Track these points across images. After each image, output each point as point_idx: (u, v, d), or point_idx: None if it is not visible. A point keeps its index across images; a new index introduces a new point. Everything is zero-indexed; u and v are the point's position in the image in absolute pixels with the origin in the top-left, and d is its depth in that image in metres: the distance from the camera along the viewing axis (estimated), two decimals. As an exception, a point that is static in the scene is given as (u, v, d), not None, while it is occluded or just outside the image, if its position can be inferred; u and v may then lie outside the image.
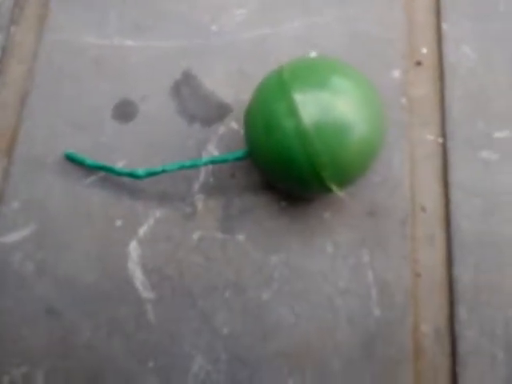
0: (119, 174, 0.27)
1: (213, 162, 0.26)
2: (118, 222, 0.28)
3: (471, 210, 0.27)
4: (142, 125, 0.29)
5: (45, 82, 0.30)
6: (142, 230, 0.28)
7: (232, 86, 0.30)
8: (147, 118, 0.30)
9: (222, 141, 0.29)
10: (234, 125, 0.29)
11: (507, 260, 0.26)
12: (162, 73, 0.30)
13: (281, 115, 0.23)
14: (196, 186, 0.28)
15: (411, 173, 0.28)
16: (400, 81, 0.30)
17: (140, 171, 0.27)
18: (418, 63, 0.31)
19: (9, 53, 0.31)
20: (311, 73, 0.24)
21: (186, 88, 0.30)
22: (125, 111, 0.30)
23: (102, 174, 0.29)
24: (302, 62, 0.25)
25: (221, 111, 0.30)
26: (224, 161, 0.26)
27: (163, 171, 0.26)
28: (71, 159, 0.29)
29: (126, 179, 0.28)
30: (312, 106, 0.23)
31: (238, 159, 0.26)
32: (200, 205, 0.28)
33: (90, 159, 0.28)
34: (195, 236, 0.27)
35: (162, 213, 0.28)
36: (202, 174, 0.28)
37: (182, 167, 0.26)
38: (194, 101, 0.30)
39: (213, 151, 0.29)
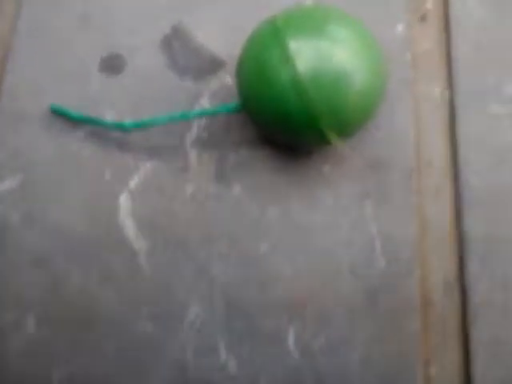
0: (106, 125, 0.26)
1: (204, 113, 0.24)
2: (108, 175, 0.26)
3: (480, 165, 0.25)
4: (130, 78, 0.28)
5: (28, 37, 0.29)
6: (133, 183, 0.26)
7: (225, 39, 0.28)
8: (136, 71, 0.28)
9: (215, 95, 0.27)
10: (227, 79, 0.28)
11: (520, 213, 0.24)
12: (151, 26, 0.29)
13: (275, 63, 0.22)
14: (189, 140, 0.27)
15: (416, 128, 0.26)
16: (404, 35, 0.28)
17: (127, 123, 0.25)
18: (423, 18, 0.29)
19: (-8, 7, 0.30)
20: (306, 20, 0.22)
21: (176, 41, 0.28)
22: (112, 64, 0.28)
23: (89, 127, 0.27)
24: (296, 10, 0.24)
25: (213, 65, 0.28)
26: (216, 113, 0.24)
27: (152, 123, 0.25)
28: (57, 112, 0.27)
29: (114, 133, 0.26)
30: (307, 54, 0.21)
31: (230, 111, 0.24)
32: (193, 158, 0.26)
33: (75, 112, 0.26)
34: (188, 188, 0.26)
35: (154, 166, 0.26)
36: (195, 128, 0.27)
37: (172, 119, 0.25)
38: (185, 54, 0.28)
39: (206, 106, 0.27)
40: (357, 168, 0.26)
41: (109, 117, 0.27)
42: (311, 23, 0.22)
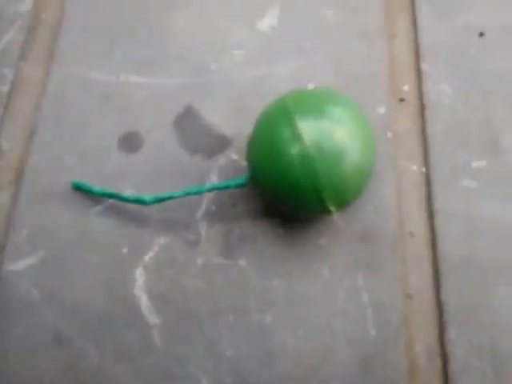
0: (126, 200, 0.27)
1: (216, 188, 0.26)
2: (125, 249, 0.28)
3: (455, 235, 0.28)
4: (146, 155, 0.29)
5: (52, 116, 0.30)
6: (148, 257, 0.28)
7: (231, 119, 0.31)
8: (152, 149, 0.30)
9: (222, 171, 0.30)
10: (233, 156, 0.30)
11: (490, 281, 0.27)
12: (165, 107, 0.31)
13: (285, 140, 0.23)
14: (199, 214, 0.28)
15: (399, 201, 0.29)
16: (385, 116, 0.31)
17: (147, 197, 0.27)
18: (401, 100, 0.32)
19: (17, 87, 0.31)
20: (313, 102, 0.24)
21: (187, 121, 0.31)
22: (130, 142, 0.30)
23: (108, 203, 0.29)
24: (303, 92, 0.25)
25: (221, 143, 0.30)
26: (226, 187, 0.26)
27: (169, 197, 0.26)
28: (78, 188, 0.28)
29: (131, 207, 0.29)
30: (314, 132, 0.23)
31: (239, 185, 0.26)
32: (203, 232, 0.28)
33: (97, 187, 0.28)
34: (199, 262, 0.27)
35: (167, 240, 0.28)
36: (205, 202, 0.29)
37: (187, 194, 0.26)
38: (195, 133, 0.31)
39: (214, 181, 0.29)
40: (349, 240, 0.28)
41: (128, 192, 0.29)
42: (317, 104, 0.24)
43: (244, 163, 0.29)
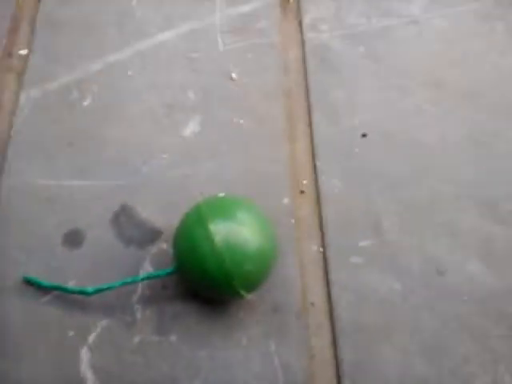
0: (72, 292, 0.31)
1: (148, 277, 0.31)
2: (71, 333, 0.31)
3: (348, 303, 0.34)
4: (87, 249, 0.34)
5: (5, 222, 0.35)
6: (91, 338, 0.31)
7: (161, 214, 0.36)
8: (92, 243, 0.34)
9: (154, 258, 0.34)
10: (163, 245, 0.35)
11: (377, 341, 0.33)
12: (103, 206, 0.36)
13: (200, 240, 0.29)
14: (135, 298, 0.33)
15: (302, 276, 0.35)
16: (289, 206, 0.38)
17: (89, 289, 0.31)
18: (302, 192, 0.39)
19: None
20: (222, 207, 0.31)
21: (123, 217, 0.36)
22: (73, 238, 0.35)
23: (56, 292, 0.33)
24: (214, 199, 0.32)
25: (152, 235, 0.35)
26: (157, 276, 0.31)
27: (109, 288, 0.31)
28: (29, 281, 0.32)
29: (76, 297, 0.33)
30: (223, 233, 0.29)
31: (168, 274, 0.31)
32: (139, 314, 0.32)
33: (45, 281, 0.32)
34: (136, 339, 0.31)
35: (108, 322, 0.32)
36: (140, 287, 0.33)
37: (125, 283, 0.31)
38: (130, 227, 0.36)
39: (148, 268, 0.34)
40: (262, 312, 0.33)
41: (72, 282, 0.33)
42: (225, 209, 0.31)
43: (171, 252, 0.34)
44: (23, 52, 0.42)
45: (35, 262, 0.33)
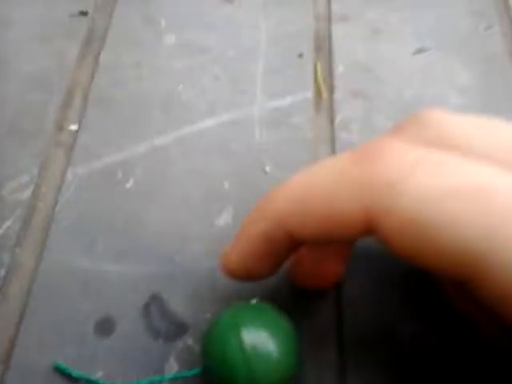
0: None
1: (175, 377, 0.33)
2: None
3: None
4: (117, 339, 0.35)
5: (40, 299, 0.36)
6: None
7: (189, 307, 0.37)
8: (122, 333, 0.36)
9: (180, 354, 0.35)
10: (190, 341, 0.36)
11: None
12: (136, 294, 0.37)
13: (232, 348, 0.30)
14: None
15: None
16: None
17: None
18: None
19: (12, 272, 0.37)
20: (255, 316, 0.32)
21: (154, 308, 0.37)
22: (104, 327, 0.36)
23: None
24: (249, 306, 0.33)
25: (180, 329, 0.37)
26: (184, 376, 0.32)
27: None
28: (59, 370, 0.33)
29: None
30: (256, 343, 0.30)
31: (195, 375, 0.32)
32: None
33: (76, 371, 0.33)
34: None
35: None
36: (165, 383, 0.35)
37: (151, 382, 0.32)
38: (160, 319, 0.37)
39: (173, 364, 0.35)
40: None
41: (99, 374, 0.34)
42: (258, 318, 0.31)
43: (197, 348, 0.35)
44: (74, 127, 0.44)
45: (66, 349, 0.34)
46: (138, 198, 0.41)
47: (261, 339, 0.31)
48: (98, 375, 0.33)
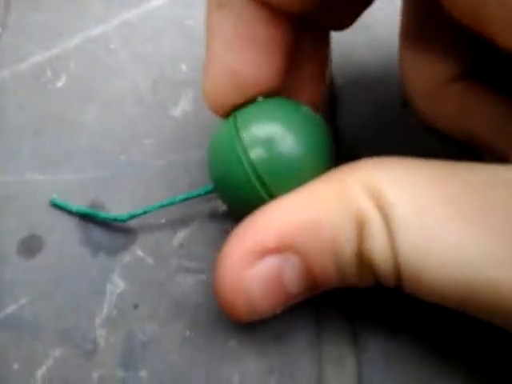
0: (106, 219, 0.28)
1: (187, 198, 0.26)
2: (15, 366, 0.25)
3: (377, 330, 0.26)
4: (45, 259, 0.28)
5: None
6: (40, 372, 0.25)
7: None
8: (52, 251, 0.28)
9: (127, 268, 0.28)
10: (139, 252, 0.29)
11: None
12: (69, 205, 0.30)
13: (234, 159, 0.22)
14: (98, 320, 0.26)
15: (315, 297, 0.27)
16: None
17: (124, 215, 0.27)
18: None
19: None
20: (261, 114, 0.23)
21: (91, 218, 0.30)
22: (30, 246, 0.29)
23: (9, 311, 0.27)
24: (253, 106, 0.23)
25: (126, 239, 0.29)
26: (197, 195, 0.26)
27: (144, 212, 0.27)
28: (56, 205, 0.29)
29: (30, 315, 0.27)
30: (261, 143, 0.22)
31: (208, 193, 0.26)
32: (101, 341, 0.26)
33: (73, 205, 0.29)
34: (95, 375, 0.25)
35: (62, 351, 0.25)
36: (105, 306, 0.27)
37: (161, 206, 0.27)
38: (99, 230, 0.29)
39: (117, 281, 0.28)
40: (263, 341, 0.26)
41: (22, 301, 0.28)
42: (267, 116, 0.23)
43: (148, 261, 0.27)
44: (-4, 31, 0.37)
45: (-18, 276, 0.27)
46: (72, 97, 0.33)
47: (267, 136, 0.22)
48: (21, 302, 0.26)
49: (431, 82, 0.24)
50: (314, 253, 0.19)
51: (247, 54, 0.21)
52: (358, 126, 0.31)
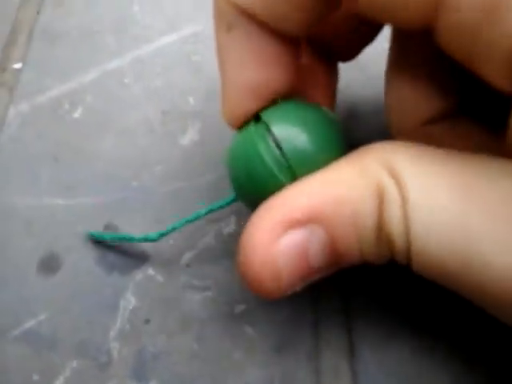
0: (138, 241, 0.29)
1: (211, 210, 0.27)
2: (35, 377, 0.27)
3: (373, 341, 0.28)
4: (63, 277, 0.30)
5: None
6: (58, 383, 0.27)
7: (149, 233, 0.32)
8: (69, 270, 0.31)
9: (139, 286, 0.30)
10: (151, 270, 0.31)
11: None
12: (85, 226, 0.32)
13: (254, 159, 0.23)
14: (112, 334, 0.28)
15: (313, 310, 0.29)
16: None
17: (153, 234, 0.28)
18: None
19: None
20: (282, 115, 0.24)
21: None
22: (49, 265, 0.31)
23: (27, 326, 0.29)
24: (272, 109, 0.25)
25: (139, 259, 0.31)
26: (220, 207, 0.27)
27: (173, 229, 0.28)
28: (94, 238, 0.30)
29: (48, 329, 0.28)
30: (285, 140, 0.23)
31: (231, 203, 0.26)
32: (115, 353, 0.28)
33: (108, 234, 0.30)
34: None
35: (79, 363, 0.27)
36: (118, 320, 0.29)
37: (188, 222, 0.27)
38: (114, 251, 0.32)
39: (130, 298, 0.30)
40: (264, 352, 0.28)
41: (41, 316, 0.30)
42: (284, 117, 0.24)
43: (158, 279, 0.29)
44: (17, 66, 0.40)
45: (6, 293, 0.29)
46: (88, 128, 0.36)
47: (290, 134, 0.23)
48: (40, 317, 0.28)
49: (416, 120, 0.25)
50: (338, 225, 0.20)
51: (259, 68, 0.23)
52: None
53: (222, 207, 0.27)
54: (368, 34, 0.27)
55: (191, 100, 0.37)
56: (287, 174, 0.23)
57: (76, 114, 0.37)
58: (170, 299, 0.29)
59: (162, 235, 0.28)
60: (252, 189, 0.24)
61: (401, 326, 0.27)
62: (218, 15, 0.23)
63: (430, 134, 0.25)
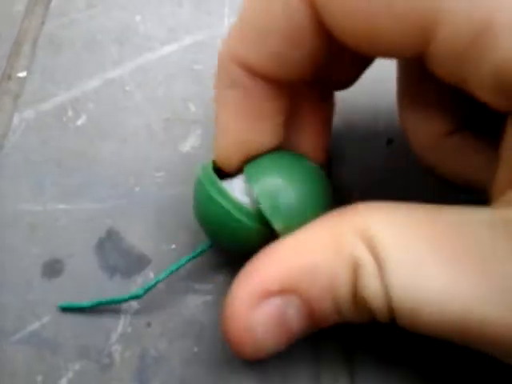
0: (123, 301, 0.28)
1: (189, 259, 0.28)
2: (39, 378, 0.28)
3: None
4: (67, 281, 0.31)
5: None
6: None
7: (152, 239, 0.32)
8: (72, 274, 0.31)
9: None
10: (151, 274, 0.31)
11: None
12: (87, 231, 0.32)
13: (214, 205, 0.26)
14: (114, 337, 0.29)
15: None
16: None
17: (140, 290, 0.28)
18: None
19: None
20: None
21: (109, 244, 0.32)
22: (52, 269, 0.31)
23: (29, 329, 0.29)
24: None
25: (140, 263, 0.32)
26: (195, 256, 0.28)
27: (156, 282, 0.28)
28: (68, 309, 0.29)
29: (50, 333, 0.29)
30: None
31: (206, 250, 0.28)
32: (117, 356, 0.28)
33: (84, 302, 0.29)
34: None
35: (81, 365, 0.28)
36: (121, 324, 0.29)
37: (171, 273, 0.28)
38: (116, 255, 0.32)
39: (132, 302, 0.30)
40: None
41: (45, 318, 0.30)
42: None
43: (160, 282, 0.30)
44: (22, 74, 0.40)
45: (7, 297, 0.30)
46: (91, 134, 0.37)
47: (273, 184, 0.24)
48: (44, 320, 0.29)
49: (431, 137, 0.26)
50: (314, 295, 0.21)
51: (253, 124, 0.25)
52: (349, 169, 0.34)
53: (201, 254, 0.28)
54: (363, 61, 0.27)
55: (192, 107, 0.38)
56: (255, 219, 0.24)
57: (79, 122, 0.37)
58: (171, 303, 0.29)
59: (147, 290, 0.28)
60: (223, 237, 0.26)
61: (399, 348, 0.28)
62: (222, 72, 0.24)
63: (444, 147, 0.26)
